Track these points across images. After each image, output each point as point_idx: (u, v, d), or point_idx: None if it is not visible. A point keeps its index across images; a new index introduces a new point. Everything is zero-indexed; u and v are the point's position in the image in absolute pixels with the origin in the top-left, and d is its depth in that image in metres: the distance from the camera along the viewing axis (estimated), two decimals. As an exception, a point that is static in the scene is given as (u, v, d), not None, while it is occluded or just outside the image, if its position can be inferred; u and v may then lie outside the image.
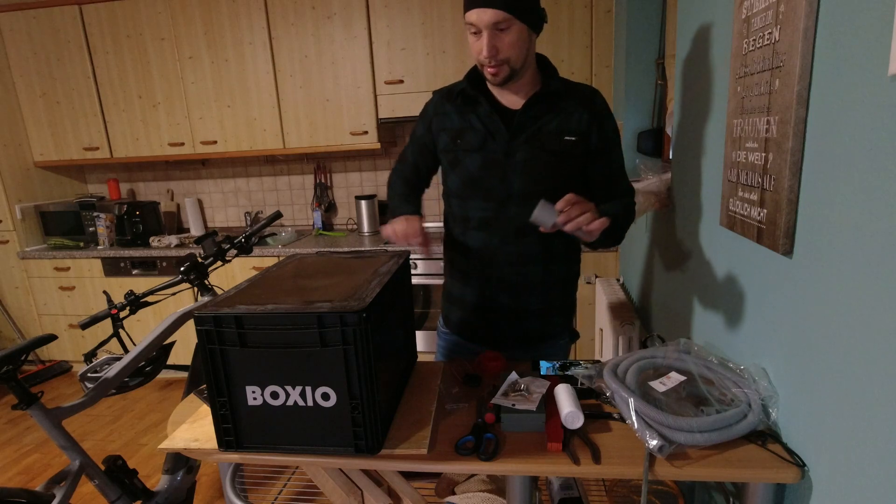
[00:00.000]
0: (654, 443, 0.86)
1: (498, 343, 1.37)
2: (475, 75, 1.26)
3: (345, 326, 0.83)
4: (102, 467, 1.53)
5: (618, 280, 2.44)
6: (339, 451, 0.90)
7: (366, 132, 2.86)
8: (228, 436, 0.92)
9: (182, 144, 3.06)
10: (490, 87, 1.26)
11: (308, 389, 0.87)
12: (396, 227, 1.20)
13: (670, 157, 1.63)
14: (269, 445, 0.92)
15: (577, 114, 1.22)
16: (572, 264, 1.37)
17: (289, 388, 0.88)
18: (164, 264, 3.01)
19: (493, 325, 1.36)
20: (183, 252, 2.97)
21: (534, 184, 1.23)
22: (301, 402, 0.88)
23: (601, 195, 1.26)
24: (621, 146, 1.30)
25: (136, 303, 1.68)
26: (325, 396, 0.87)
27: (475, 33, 1.14)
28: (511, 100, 1.25)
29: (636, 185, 1.77)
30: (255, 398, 0.89)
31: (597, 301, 2.49)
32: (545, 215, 1.05)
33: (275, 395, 0.88)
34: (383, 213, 3.28)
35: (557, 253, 1.31)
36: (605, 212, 1.08)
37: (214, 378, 0.89)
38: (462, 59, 2.69)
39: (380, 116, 2.84)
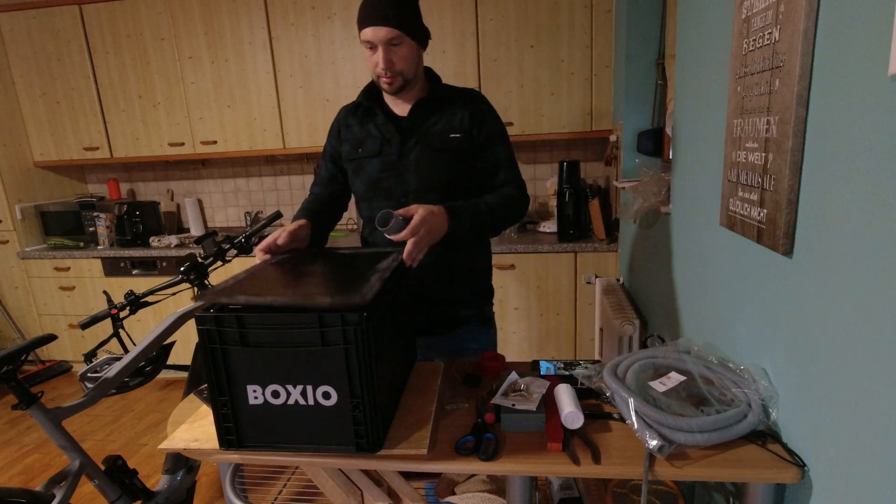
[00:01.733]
0: (654, 443, 0.86)
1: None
2: (371, 90, 1.39)
3: (346, 325, 0.83)
4: (102, 467, 1.53)
5: (618, 280, 2.44)
6: (340, 450, 0.91)
7: (366, 132, 2.86)
8: (230, 435, 0.92)
9: (182, 144, 3.06)
10: (386, 98, 1.40)
11: (309, 388, 0.87)
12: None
13: (670, 157, 1.64)
14: (271, 444, 0.92)
15: (460, 114, 1.35)
16: (478, 253, 1.47)
17: (290, 387, 0.88)
18: (164, 264, 3.01)
19: None
20: (183, 252, 2.97)
21: (427, 180, 1.35)
22: (302, 401, 0.88)
23: (486, 186, 1.39)
24: (507, 142, 1.40)
25: (136, 303, 1.68)
26: (326, 395, 0.87)
27: (371, 48, 1.26)
28: (403, 108, 1.38)
29: (636, 185, 1.77)
30: (256, 397, 0.89)
31: (597, 301, 2.49)
32: (386, 223, 1.07)
33: (276, 394, 0.88)
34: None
35: (460, 243, 1.38)
36: (460, 209, 1.22)
37: (216, 377, 0.89)
38: (462, 58, 2.69)
39: (380, 116, 2.84)
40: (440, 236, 1.18)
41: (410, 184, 1.35)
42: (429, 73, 1.41)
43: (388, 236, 1.10)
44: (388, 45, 1.24)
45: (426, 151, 1.34)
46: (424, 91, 1.39)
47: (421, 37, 1.31)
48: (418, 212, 1.12)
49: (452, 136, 1.35)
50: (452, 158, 1.35)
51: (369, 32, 1.23)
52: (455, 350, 1.44)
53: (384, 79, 1.29)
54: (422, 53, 1.34)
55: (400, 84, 1.30)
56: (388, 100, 1.39)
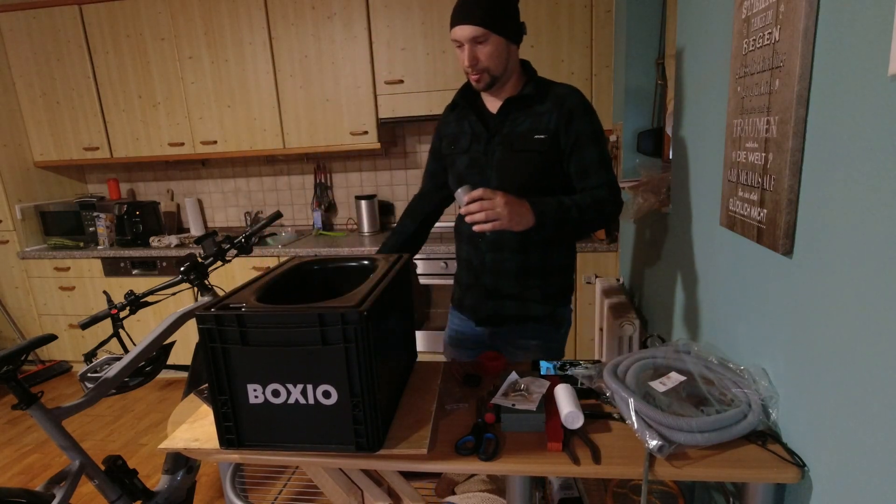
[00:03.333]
0: (654, 443, 0.86)
1: (480, 319, 1.51)
2: (469, 86, 1.41)
3: (346, 325, 0.83)
4: (102, 467, 1.53)
5: (618, 280, 2.44)
6: (340, 449, 0.91)
7: (366, 132, 2.86)
8: (230, 434, 0.92)
9: (182, 144, 3.06)
10: (483, 94, 1.41)
11: (309, 387, 0.87)
12: None
13: (670, 157, 1.64)
14: (271, 444, 0.92)
15: (548, 115, 1.33)
16: (552, 254, 1.44)
17: (290, 386, 0.88)
18: (164, 264, 3.01)
19: (476, 302, 1.50)
20: (183, 252, 2.97)
21: (508, 179, 1.35)
22: (302, 401, 0.88)
23: (576, 189, 1.36)
24: (599, 143, 1.34)
25: (136, 303, 1.68)
26: (327, 394, 0.87)
27: (460, 47, 1.29)
28: (496, 105, 1.39)
29: (636, 185, 1.77)
30: (256, 396, 0.89)
31: (597, 301, 2.49)
32: (461, 197, 1.19)
33: (276, 394, 0.89)
34: (383, 213, 3.28)
35: (534, 243, 1.41)
36: (543, 200, 1.23)
37: (216, 376, 0.89)
38: (462, 59, 2.69)
39: (380, 116, 2.84)
40: (523, 220, 1.19)
41: (492, 182, 1.37)
42: (526, 67, 1.39)
43: (460, 201, 1.19)
44: (473, 42, 1.26)
45: (509, 151, 1.35)
46: (517, 88, 1.37)
47: (510, 33, 1.28)
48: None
49: (537, 137, 1.32)
50: (535, 159, 1.33)
51: (457, 31, 1.26)
52: (518, 344, 1.47)
53: (472, 76, 1.31)
54: (514, 49, 1.32)
55: (488, 81, 1.31)
56: (485, 96, 1.41)
